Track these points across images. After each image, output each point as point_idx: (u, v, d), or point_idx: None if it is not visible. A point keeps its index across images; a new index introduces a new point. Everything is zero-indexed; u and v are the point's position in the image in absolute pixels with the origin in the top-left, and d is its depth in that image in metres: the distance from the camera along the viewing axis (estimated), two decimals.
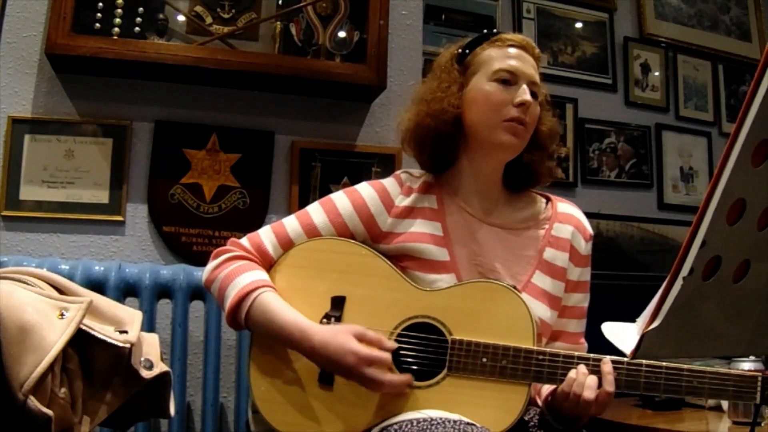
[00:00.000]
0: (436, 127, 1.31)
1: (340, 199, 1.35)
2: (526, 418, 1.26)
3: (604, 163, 2.92)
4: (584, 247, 1.38)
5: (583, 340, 1.39)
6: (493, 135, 1.30)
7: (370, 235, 1.33)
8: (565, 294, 1.35)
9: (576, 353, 1.20)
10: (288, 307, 1.23)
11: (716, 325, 0.67)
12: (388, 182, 1.37)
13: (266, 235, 1.33)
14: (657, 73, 3.06)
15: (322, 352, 1.17)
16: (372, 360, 1.14)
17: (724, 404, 1.79)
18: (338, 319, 1.25)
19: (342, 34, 2.21)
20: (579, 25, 2.96)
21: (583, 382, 1.14)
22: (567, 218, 1.39)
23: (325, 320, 1.25)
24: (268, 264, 1.31)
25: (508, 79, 1.30)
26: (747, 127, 0.55)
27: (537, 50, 1.36)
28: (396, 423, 1.15)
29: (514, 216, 1.37)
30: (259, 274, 1.27)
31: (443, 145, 1.34)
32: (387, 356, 1.16)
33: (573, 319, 1.37)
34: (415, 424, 1.11)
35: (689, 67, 3.15)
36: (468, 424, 1.10)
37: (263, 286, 1.24)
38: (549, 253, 1.34)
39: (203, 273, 1.33)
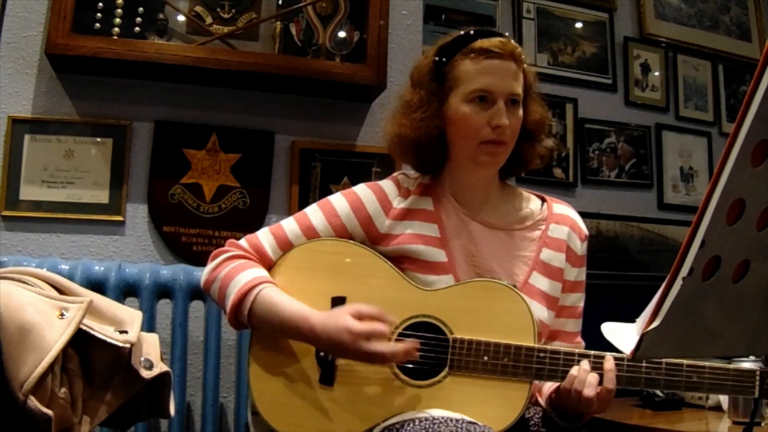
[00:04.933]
0: (418, 140, 1.32)
1: (338, 200, 1.35)
2: (527, 416, 1.27)
3: (604, 163, 2.92)
4: (580, 248, 1.39)
5: (579, 339, 1.40)
6: (472, 155, 1.31)
7: (368, 237, 1.33)
8: (562, 294, 1.35)
9: (577, 350, 1.21)
10: (291, 299, 1.23)
11: (716, 325, 0.67)
12: (386, 184, 1.37)
13: (265, 237, 1.33)
14: (657, 73, 3.06)
15: (323, 336, 1.17)
16: (367, 333, 1.14)
17: (724, 404, 1.79)
18: None
19: (342, 34, 2.21)
20: (579, 25, 2.96)
21: (584, 379, 1.14)
22: (562, 219, 1.39)
23: None
24: (267, 265, 1.31)
25: (485, 98, 1.27)
26: (746, 127, 0.55)
27: (518, 49, 1.31)
28: (398, 422, 1.15)
29: (510, 217, 1.38)
30: (259, 271, 1.27)
31: (428, 155, 1.36)
32: (383, 327, 1.15)
33: (571, 319, 1.38)
34: (417, 423, 1.11)
35: (689, 67, 3.15)
36: (470, 423, 1.10)
37: (265, 282, 1.24)
38: (545, 254, 1.35)
39: (202, 275, 1.33)
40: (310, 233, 1.32)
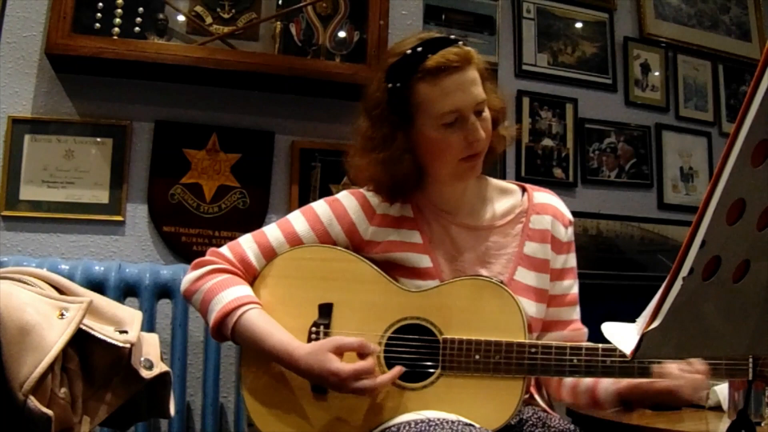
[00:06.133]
0: (393, 176, 1.28)
1: (320, 207, 1.34)
2: (524, 417, 1.26)
3: (604, 163, 2.92)
4: (564, 234, 1.36)
5: (579, 325, 1.37)
6: (452, 172, 1.28)
7: (352, 243, 1.32)
8: (550, 283, 1.33)
9: (568, 344, 1.20)
10: (274, 327, 1.22)
11: (716, 325, 0.67)
12: (368, 192, 1.36)
13: (248, 245, 1.31)
14: (657, 73, 3.06)
15: (308, 376, 1.18)
16: (355, 375, 1.14)
17: (725, 404, 1.79)
18: (327, 327, 1.25)
19: (342, 34, 2.21)
20: (579, 25, 2.96)
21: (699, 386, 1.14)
22: (544, 208, 1.36)
23: (314, 328, 1.25)
24: (252, 275, 1.30)
25: (455, 119, 1.22)
26: (747, 127, 0.54)
27: (471, 52, 1.23)
28: (394, 425, 1.15)
29: (490, 213, 1.35)
30: (244, 290, 1.25)
31: (405, 185, 1.31)
32: (369, 363, 1.16)
33: (566, 307, 1.36)
34: (413, 425, 1.10)
35: (689, 67, 3.15)
36: (466, 424, 1.09)
37: (248, 303, 1.23)
38: (529, 248, 1.32)
39: (182, 282, 1.31)
40: (294, 240, 1.31)
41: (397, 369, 1.18)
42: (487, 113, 1.26)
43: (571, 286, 1.37)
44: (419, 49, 1.22)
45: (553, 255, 1.34)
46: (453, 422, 1.09)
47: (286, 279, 1.29)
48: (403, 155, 1.26)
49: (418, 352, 1.21)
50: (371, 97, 1.30)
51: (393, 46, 1.31)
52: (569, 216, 1.39)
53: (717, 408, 1.86)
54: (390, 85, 1.25)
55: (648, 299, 0.65)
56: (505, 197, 1.38)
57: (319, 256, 1.30)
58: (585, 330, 1.37)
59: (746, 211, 0.59)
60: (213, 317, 1.23)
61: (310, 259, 1.30)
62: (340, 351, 1.17)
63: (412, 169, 1.28)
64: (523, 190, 1.40)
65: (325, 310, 1.26)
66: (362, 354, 1.18)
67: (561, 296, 1.35)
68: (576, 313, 1.38)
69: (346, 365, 1.15)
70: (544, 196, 1.39)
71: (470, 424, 1.10)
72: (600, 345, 1.18)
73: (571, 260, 1.38)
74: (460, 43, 1.24)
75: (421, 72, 1.21)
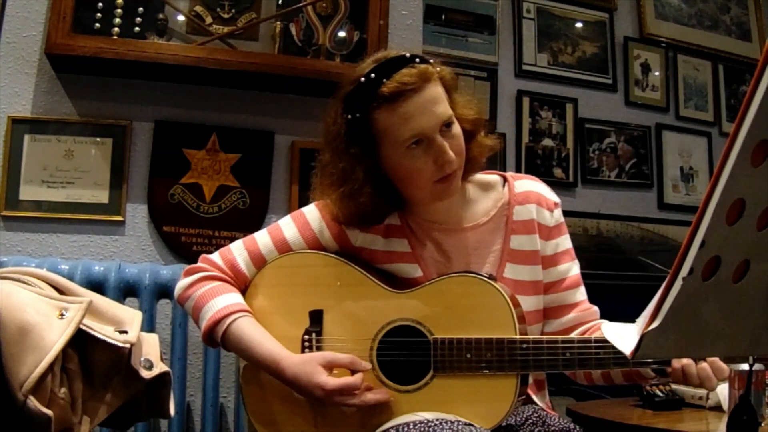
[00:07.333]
0: (363, 208, 1.25)
1: (311, 212, 1.33)
2: (524, 416, 1.26)
3: (604, 163, 2.92)
4: (550, 218, 1.33)
5: (589, 304, 1.35)
6: (428, 195, 1.25)
7: (343, 249, 1.31)
8: (544, 271, 1.32)
9: (560, 338, 1.18)
10: (263, 336, 1.22)
11: (716, 325, 0.67)
12: None
13: (239, 252, 1.31)
14: (657, 73, 3.06)
15: (295, 386, 1.18)
16: (341, 390, 1.14)
17: (724, 404, 1.79)
18: (318, 333, 1.25)
19: (342, 34, 2.21)
20: (579, 25, 2.96)
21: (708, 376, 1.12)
22: (526, 197, 1.33)
23: (306, 336, 1.25)
24: (242, 282, 1.30)
25: (420, 140, 1.17)
26: (746, 127, 0.55)
27: (428, 69, 1.18)
28: (392, 427, 1.14)
29: (474, 213, 1.33)
30: (234, 297, 1.26)
31: (379, 213, 1.29)
32: (356, 381, 1.15)
33: (566, 291, 1.33)
34: (411, 426, 1.10)
35: (689, 67, 3.15)
36: (466, 424, 1.09)
37: (238, 311, 1.23)
38: (515, 241, 1.30)
39: (175, 289, 1.33)
40: (284, 247, 1.31)
41: (383, 394, 1.18)
42: (456, 129, 1.21)
43: (569, 269, 1.34)
44: (373, 75, 1.19)
45: (542, 243, 1.32)
46: (452, 422, 1.09)
47: (275, 288, 1.29)
48: (362, 188, 1.22)
49: (410, 354, 1.21)
50: (330, 130, 1.26)
51: (350, 72, 1.28)
52: (554, 198, 1.35)
53: (717, 408, 1.86)
54: (348, 116, 1.22)
55: (648, 299, 0.65)
56: (486, 193, 1.35)
57: (306, 262, 1.30)
58: (595, 308, 1.34)
59: (746, 211, 0.59)
60: (204, 325, 1.24)
61: (298, 266, 1.30)
62: (330, 366, 1.17)
63: (375, 199, 1.25)
64: (504, 180, 1.37)
65: (316, 316, 1.26)
66: (353, 370, 1.18)
67: (559, 281, 1.33)
68: (581, 293, 1.35)
69: (331, 379, 1.15)
70: (525, 183, 1.35)
71: (470, 424, 1.10)
72: (593, 336, 1.17)
73: (564, 243, 1.34)
74: (417, 60, 1.19)
75: (377, 99, 1.17)
